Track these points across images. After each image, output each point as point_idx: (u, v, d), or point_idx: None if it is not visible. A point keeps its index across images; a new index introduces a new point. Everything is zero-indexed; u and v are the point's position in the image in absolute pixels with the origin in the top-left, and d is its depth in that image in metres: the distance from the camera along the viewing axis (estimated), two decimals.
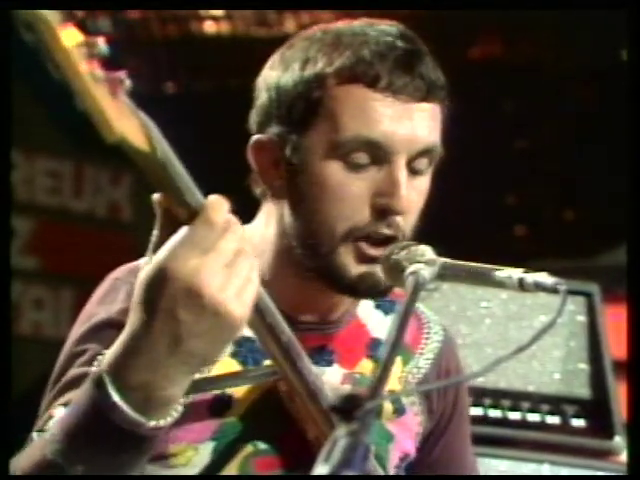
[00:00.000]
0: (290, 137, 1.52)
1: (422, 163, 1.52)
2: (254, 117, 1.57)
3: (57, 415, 1.41)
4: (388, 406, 1.59)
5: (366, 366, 1.58)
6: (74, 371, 1.47)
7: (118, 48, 1.24)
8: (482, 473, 2.49)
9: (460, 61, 5.11)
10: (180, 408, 1.29)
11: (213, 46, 5.58)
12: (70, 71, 1.15)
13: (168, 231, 1.27)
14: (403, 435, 1.62)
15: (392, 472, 1.59)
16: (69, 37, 1.14)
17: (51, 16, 1.14)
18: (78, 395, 1.30)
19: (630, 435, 2.06)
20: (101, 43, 1.16)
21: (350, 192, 1.49)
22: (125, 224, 5.77)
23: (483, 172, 4.86)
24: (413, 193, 1.51)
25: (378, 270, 1.49)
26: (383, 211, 1.49)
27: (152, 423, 1.25)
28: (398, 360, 1.61)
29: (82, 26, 1.16)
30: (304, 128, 1.51)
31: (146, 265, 1.27)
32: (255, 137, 1.55)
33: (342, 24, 1.58)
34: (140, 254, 1.57)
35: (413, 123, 1.49)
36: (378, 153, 1.49)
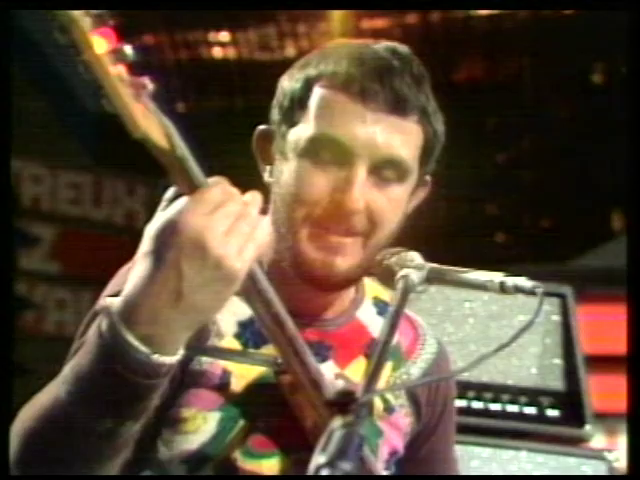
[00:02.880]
0: (280, 129, 1.53)
1: (389, 173, 1.49)
2: (271, 115, 1.57)
3: None
4: (379, 404, 1.57)
5: (361, 364, 1.57)
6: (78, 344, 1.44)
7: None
8: (466, 459, 2.49)
9: (446, 82, 5.11)
10: (180, 355, 1.27)
11: (220, 69, 5.58)
12: (100, 73, 1.16)
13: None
14: (392, 433, 1.60)
15: (381, 466, 1.58)
16: (100, 42, 1.16)
17: (84, 21, 1.15)
18: (87, 338, 1.29)
19: (630, 435, 1.99)
20: (128, 49, 1.18)
21: (311, 184, 1.47)
22: (140, 231, 5.74)
23: (467, 184, 4.86)
24: (381, 199, 1.49)
25: (335, 258, 1.47)
26: (337, 206, 1.47)
27: (155, 356, 1.23)
28: (389, 365, 1.60)
29: (113, 32, 1.17)
30: (290, 123, 1.51)
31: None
32: (260, 127, 1.56)
33: (356, 41, 1.59)
34: None
35: (377, 131, 1.47)
36: (340, 153, 1.47)
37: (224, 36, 5.59)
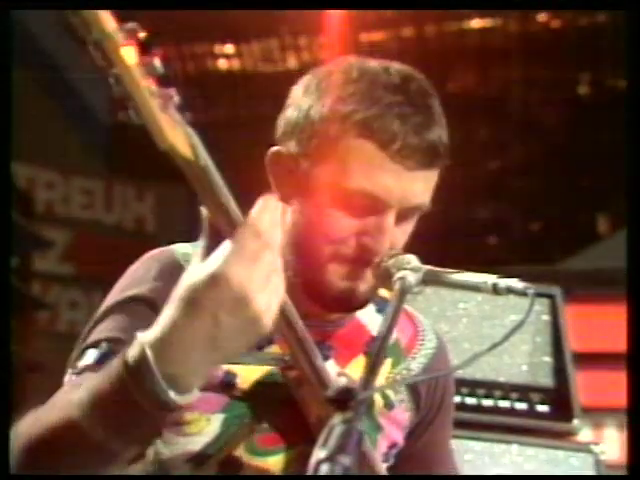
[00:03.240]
0: (304, 161, 1.50)
1: (410, 214, 1.51)
2: (281, 124, 1.53)
3: (86, 361, 1.42)
4: (379, 401, 1.57)
5: (361, 362, 1.57)
6: (98, 333, 1.46)
7: None
8: (460, 453, 2.49)
9: (440, 93, 5.10)
10: (197, 393, 1.27)
11: (225, 80, 5.58)
12: (130, 86, 1.16)
13: (214, 241, 1.27)
14: (392, 428, 1.60)
15: (380, 458, 1.57)
16: (131, 56, 1.16)
17: (117, 36, 1.15)
18: (113, 366, 1.28)
19: (630, 434, 1.94)
20: (157, 62, 1.18)
21: (341, 226, 1.47)
22: (149, 235, 5.77)
23: (461, 190, 4.86)
24: (398, 233, 1.50)
25: (356, 284, 1.48)
26: (365, 248, 1.47)
27: (176, 398, 1.24)
28: (388, 362, 1.60)
29: (142, 46, 1.17)
30: (318, 159, 1.49)
31: (190, 267, 1.26)
32: (274, 149, 1.52)
33: (375, 64, 1.52)
34: None
35: (412, 186, 1.47)
36: (373, 203, 1.47)
37: (229, 49, 5.58)
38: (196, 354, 1.24)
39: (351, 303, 1.51)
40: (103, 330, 1.47)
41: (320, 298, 1.50)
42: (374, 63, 1.54)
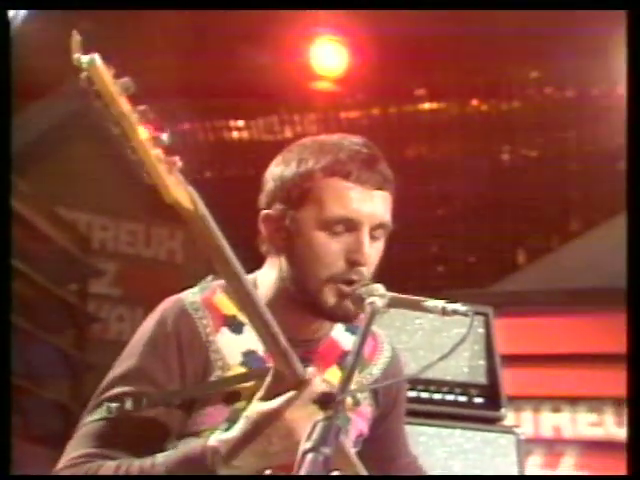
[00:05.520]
0: (289, 212, 1.48)
1: (378, 232, 1.48)
2: (263, 198, 1.52)
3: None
4: (349, 399, 1.54)
5: (334, 371, 1.54)
6: (115, 391, 1.41)
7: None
8: (415, 436, 2.45)
9: (399, 158, 5.11)
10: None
11: (237, 146, 5.58)
12: (143, 155, 1.15)
13: (275, 390, 1.35)
14: (358, 420, 1.57)
15: (350, 445, 1.53)
16: (144, 131, 1.14)
17: (132, 116, 1.13)
18: (191, 449, 1.35)
19: (630, 435, 1.82)
20: (164, 136, 1.16)
21: (330, 251, 1.45)
22: (178, 265, 5.75)
23: (415, 231, 4.85)
24: (372, 251, 1.48)
25: (348, 303, 1.45)
26: (353, 263, 1.45)
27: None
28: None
29: (153, 123, 1.16)
30: (299, 206, 1.47)
31: (259, 399, 1.35)
32: (264, 212, 1.50)
33: (324, 136, 1.53)
34: (187, 286, 1.55)
35: (373, 204, 1.46)
36: (350, 224, 1.45)
37: (240, 123, 5.59)
38: (252, 460, 1.31)
39: (347, 319, 1.49)
40: (128, 384, 1.42)
41: (320, 314, 1.47)
42: (325, 136, 1.55)
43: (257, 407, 1.31)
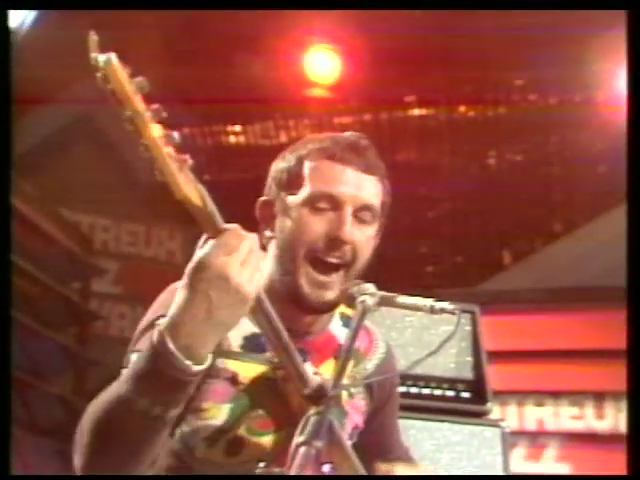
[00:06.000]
0: (279, 195, 1.50)
1: (366, 215, 1.48)
2: (266, 189, 1.54)
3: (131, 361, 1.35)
4: (344, 393, 1.54)
5: (331, 364, 1.53)
6: (142, 343, 1.39)
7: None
8: (406, 429, 2.45)
9: (390, 161, 5.10)
10: (209, 360, 1.23)
11: (235, 150, 5.57)
12: (156, 152, 1.14)
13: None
14: (354, 412, 1.57)
15: (347, 437, 1.53)
16: (156, 130, 1.14)
17: (146, 115, 1.13)
18: (144, 348, 1.25)
19: (629, 435, 1.79)
20: (175, 135, 1.16)
21: (312, 227, 1.45)
22: (177, 265, 5.70)
23: (407, 232, 4.85)
24: (359, 234, 1.46)
25: (324, 293, 1.44)
26: (333, 239, 1.44)
27: (192, 366, 1.20)
28: (351, 363, 1.56)
29: (163, 122, 1.15)
30: (289, 189, 1.48)
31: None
32: (262, 198, 1.53)
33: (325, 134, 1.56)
34: None
35: (357, 185, 1.46)
36: (333, 202, 1.45)
37: (237, 128, 5.58)
38: (199, 326, 1.20)
39: (318, 307, 1.46)
40: (144, 340, 1.42)
41: (297, 301, 1.45)
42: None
43: (185, 272, 1.23)
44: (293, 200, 1.47)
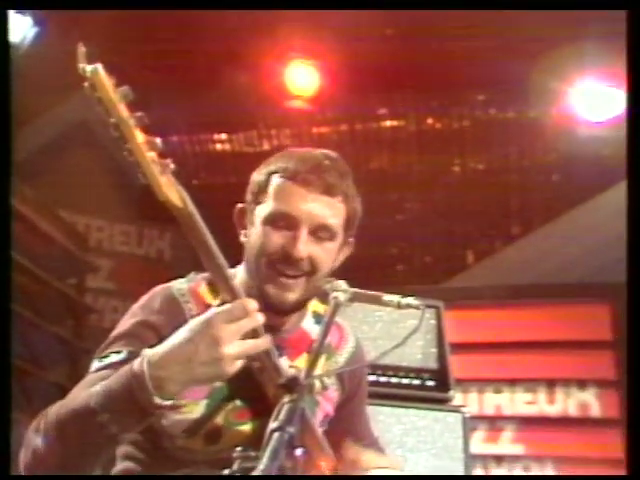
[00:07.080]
0: (251, 206, 1.49)
1: (324, 234, 1.46)
2: (246, 196, 1.53)
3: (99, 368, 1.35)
4: (317, 384, 1.52)
5: (305, 358, 1.52)
6: (119, 345, 1.40)
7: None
8: (375, 415, 2.44)
9: (363, 169, 5.11)
10: (174, 401, 1.23)
11: (220, 157, 5.54)
12: (139, 156, 1.13)
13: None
14: (325, 402, 1.56)
15: (318, 424, 1.51)
16: (140, 135, 1.12)
17: (130, 121, 1.11)
18: (123, 370, 1.24)
19: (629, 435, 1.75)
20: (157, 141, 1.14)
21: (271, 242, 1.44)
22: (167, 262, 5.69)
23: (377, 234, 4.85)
24: (317, 249, 1.45)
25: (286, 294, 1.44)
26: (288, 256, 1.43)
27: (159, 400, 1.21)
28: (324, 356, 1.55)
29: (146, 128, 1.13)
30: (257, 202, 1.48)
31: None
32: (239, 205, 1.52)
33: (302, 149, 1.53)
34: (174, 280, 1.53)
35: (314, 206, 1.44)
36: (290, 221, 1.44)
37: (223, 137, 5.55)
38: (176, 367, 1.20)
39: (281, 307, 1.45)
40: (123, 343, 1.40)
41: (264, 301, 1.44)
42: (304, 149, 1.53)
43: (191, 320, 1.25)
44: (259, 213, 1.47)
